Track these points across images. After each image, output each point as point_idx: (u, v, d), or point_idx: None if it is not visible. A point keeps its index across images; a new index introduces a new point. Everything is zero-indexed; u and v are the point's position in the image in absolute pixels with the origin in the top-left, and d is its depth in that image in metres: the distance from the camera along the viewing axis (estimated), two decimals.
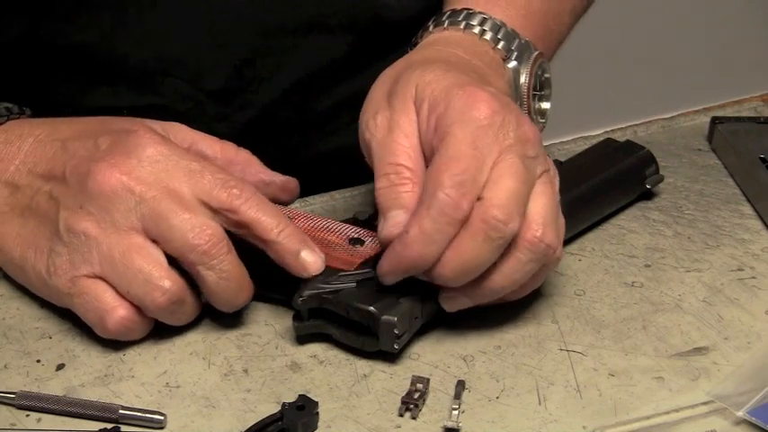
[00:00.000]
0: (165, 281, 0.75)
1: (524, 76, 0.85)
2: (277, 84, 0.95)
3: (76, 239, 0.75)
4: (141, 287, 0.75)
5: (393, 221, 0.75)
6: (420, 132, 0.76)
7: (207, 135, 0.82)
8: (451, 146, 0.74)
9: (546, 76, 0.88)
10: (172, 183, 0.75)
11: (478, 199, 0.73)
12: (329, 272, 0.77)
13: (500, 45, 0.85)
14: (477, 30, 0.84)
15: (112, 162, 0.75)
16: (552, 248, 0.75)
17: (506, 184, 0.73)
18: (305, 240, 0.77)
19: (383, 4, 0.94)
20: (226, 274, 0.75)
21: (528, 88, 0.85)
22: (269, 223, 0.76)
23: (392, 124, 0.77)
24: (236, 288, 0.76)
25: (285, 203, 0.84)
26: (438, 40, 0.85)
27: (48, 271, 0.77)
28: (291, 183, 0.85)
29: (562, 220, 0.77)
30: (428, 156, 0.76)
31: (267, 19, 0.91)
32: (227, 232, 0.76)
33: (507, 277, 0.75)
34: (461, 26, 0.85)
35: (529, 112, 0.86)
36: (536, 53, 0.86)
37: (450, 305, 0.77)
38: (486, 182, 0.73)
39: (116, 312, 0.75)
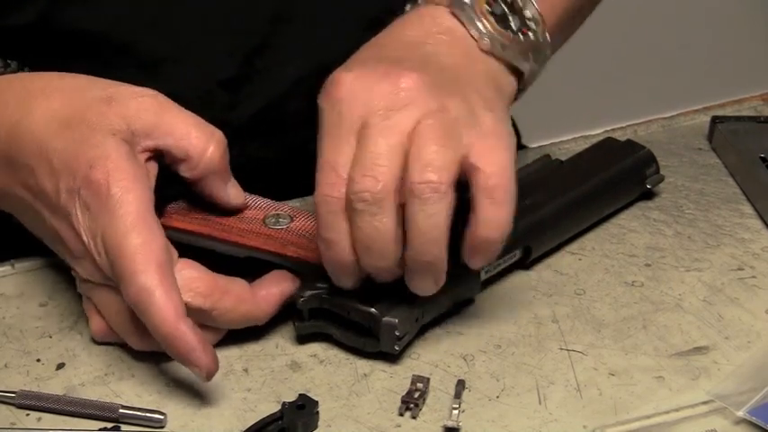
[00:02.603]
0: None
1: (470, 11, 0.81)
2: (286, 74, 0.95)
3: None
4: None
5: None
6: None
7: (182, 122, 0.79)
8: (318, 150, 0.74)
9: None
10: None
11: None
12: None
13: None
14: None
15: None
16: (433, 180, 0.72)
17: (364, 151, 0.73)
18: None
19: None
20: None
21: (485, 20, 0.82)
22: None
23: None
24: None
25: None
26: (405, 18, 0.84)
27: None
28: (234, 201, 0.82)
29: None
30: None
31: (280, 8, 0.92)
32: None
33: (415, 229, 0.73)
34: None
35: (504, 39, 0.82)
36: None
37: (415, 287, 0.75)
38: (353, 158, 0.73)
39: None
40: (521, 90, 0.85)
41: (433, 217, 0.72)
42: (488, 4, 0.82)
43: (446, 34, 0.81)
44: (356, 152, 0.73)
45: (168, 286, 0.72)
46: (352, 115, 0.74)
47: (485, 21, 0.81)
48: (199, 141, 0.78)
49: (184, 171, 0.78)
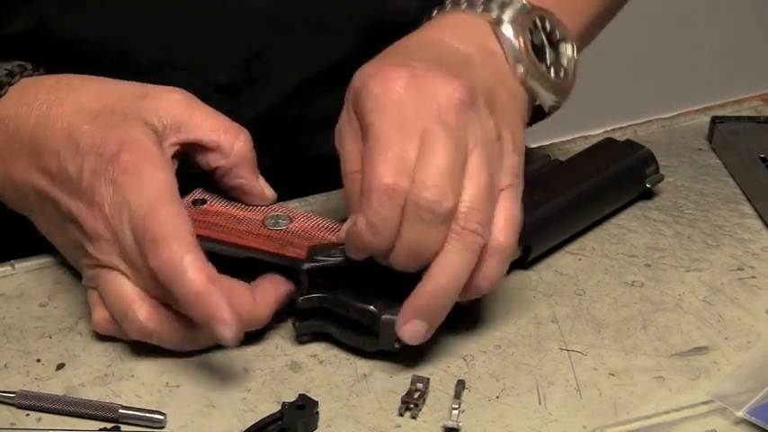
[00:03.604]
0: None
1: (510, 30, 0.81)
2: (285, 80, 0.95)
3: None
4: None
5: (351, 222, 0.75)
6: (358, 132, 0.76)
7: (212, 117, 0.81)
8: (374, 135, 0.73)
9: (548, 26, 0.83)
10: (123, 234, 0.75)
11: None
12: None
13: (494, 14, 0.82)
14: (479, 9, 0.82)
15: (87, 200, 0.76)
16: (479, 233, 0.73)
17: (435, 161, 0.72)
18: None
19: (392, 4, 0.94)
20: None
21: (522, 44, 0.81)
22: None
23: (342, 131, 0.77)
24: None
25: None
26: (432, 23, 0.84)
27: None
28: (268, 192, 0.83)
29: (509, 204, 0.75)
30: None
31: (279, 14, 0.91)
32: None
33: (444, 268, 0.73)
34: (462, 6, 0.83)
35: (535, 70, 0.81)
36: (521, 4, 0.82)
37: (406, 331, 0.75)
38: (417, 160, 0.72)
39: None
40: (531, 123, 0.85)
41: (466, 264, 0.73)
42: (529, 31, 0.82)
43: (486, 55, 0.81)
44: (425, 160, 0.72)
45: (198, 253, 0.73)
46: (415, 118, 0.73)
47: (523, 49, 0.81)
48: (229, 132, 0.80)
49: (217, 161, 0.80)
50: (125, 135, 0.76)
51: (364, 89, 0.75)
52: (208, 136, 0.80)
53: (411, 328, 0.74)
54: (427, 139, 0.73)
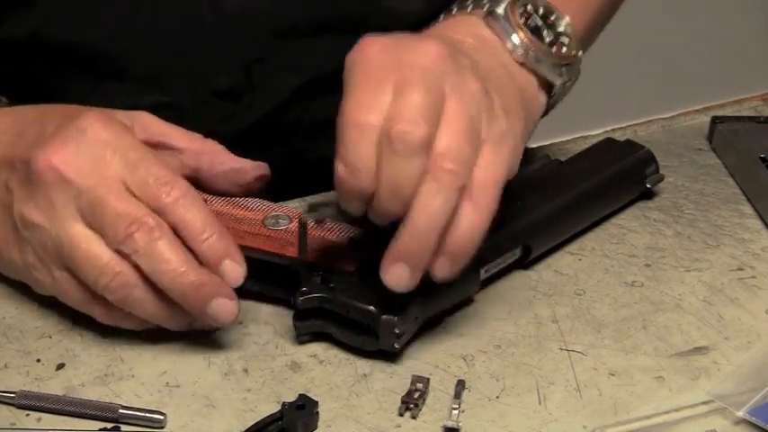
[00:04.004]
0: (112, 265, 0.74)
1: (503, 18, 0.82)
2: (285, 85, 0.95)
3: (32, 233, 0.75)
4: (91, 274, 0.74)
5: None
6: None
7: (175, 127, 0.81)
8: (347, 87, 0.72)
9: (541, 9, 0.84)
10: (108, 171, 0.74)
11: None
12: (328, 272, 0.77)
13: (486, 7, 0.83)
14: (486, 8, 0.83)
15: (50, 150, 0.74)
16: (455, 172, 0.71)
17: (408, 98, 0.71)
18: (228, 249, 0.75)
19: (392, 7, 0.94)
20: (162, 263, 0.73)
21: (515, 23, 0.82)
22: (194, 229, 0.74)
23: None
24: (182, 278, 0.74)
25: (258, 190, 0.84)
26: (439, 25, 0.84)
27: (25, 265, 0.76)
28: (261, 167, 0.83)
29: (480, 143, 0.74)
30: None
31: (280, 19, 0.92)
32: None
33: (421, 209, 0.71)
34: (468, 8, 0.84)
35: (536, 49, 0.82)
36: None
37: (390, 276, 0.73)
38: (391, 103, 0.71)
39: (94, 307, 0.76)
40: (551, 106, 0.86)
41: (443, 205, 0.71)
42: (523, 16, 0.82)
43: (480, 42, 0.81)
44: (397, 100, 0.71)
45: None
46: (390, 69, 0.72)
47: (520, 32, 0.82)
48: (195, 135, 0.82)
49: (191, 158, 0.80)
50: (81, 113, 0.76)
51: (346, 62, 0.74)
52: (176, 134, 0.80)
53: (394, 273, 0.72)
54: (401, 83, 0.71)
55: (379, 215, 0.73)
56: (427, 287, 0.76)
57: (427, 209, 0.71)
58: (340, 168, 0.72)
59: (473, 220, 0.72)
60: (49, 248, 0.75)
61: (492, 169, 0.73)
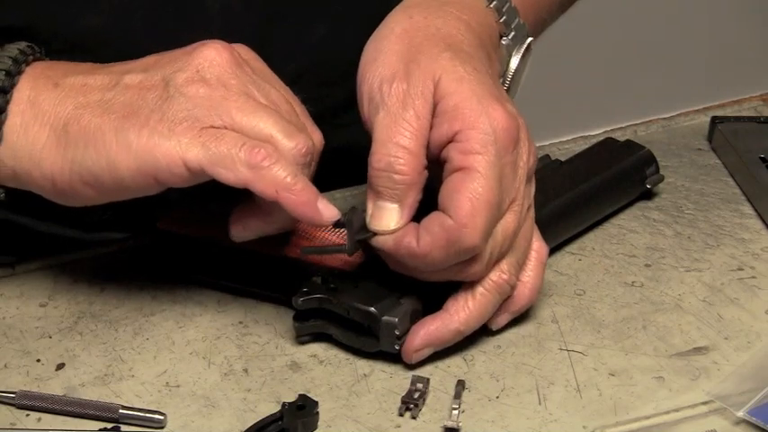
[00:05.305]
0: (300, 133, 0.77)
1: (515, 60, 0.84)
2: (286, 71, 0.95)
3: (199, 96, 0.76)
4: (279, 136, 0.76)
5: (387, 215, 0.74)
6: (432, 125, 0.75)
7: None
8: (477, 182, 0.73)
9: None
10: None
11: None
12: (327, 273, 0.77)
13: (502, 19, 0.83)
14: None
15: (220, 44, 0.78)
16: (511, 284, 0.78)
17: (519, 243, 0.77)
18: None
19: None
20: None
21: (517, 75, 0.84)
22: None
23: (407, 100, 0.75)
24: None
25: None
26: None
27: (160, 132, 0.75)
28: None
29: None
30: (431, 151, 0.75)
31: (275, 7, 0.91)
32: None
33: (475, 313, 0.77)
34: None
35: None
36: (530, 40, 0.84)
37: (416, 357, 0.77)
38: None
39: (256, 148, 0.75)
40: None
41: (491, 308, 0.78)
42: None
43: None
44: (516, 243, 0.78)
45: None
46: (512, 181, 0.76)
47: None
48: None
49: None
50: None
51: (469, 117, 0.75)
52: None
53: (421, 355, 0.76)
54: (509, 216, 0.76)
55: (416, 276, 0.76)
56: (428, 289, 0.76)
57: (482, 314, 0.77)
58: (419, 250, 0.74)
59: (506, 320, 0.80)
60: (223, 110, 0.76)
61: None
